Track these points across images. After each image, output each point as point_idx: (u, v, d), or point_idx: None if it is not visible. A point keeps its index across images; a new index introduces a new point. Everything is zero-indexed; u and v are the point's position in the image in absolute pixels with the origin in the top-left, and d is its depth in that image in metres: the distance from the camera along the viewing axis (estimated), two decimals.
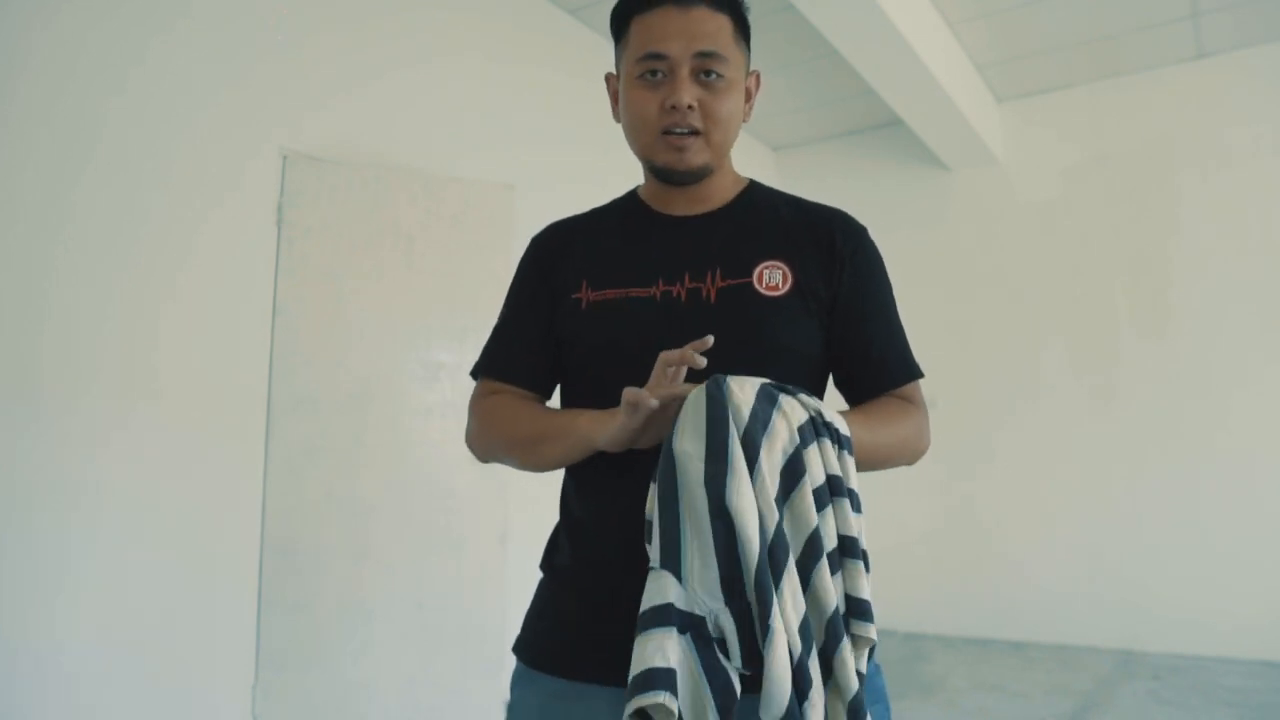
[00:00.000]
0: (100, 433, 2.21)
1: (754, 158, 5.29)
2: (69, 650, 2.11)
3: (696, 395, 0.79)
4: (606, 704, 0.88)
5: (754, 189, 1.07)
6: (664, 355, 0.84)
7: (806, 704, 0.71)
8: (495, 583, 2.96)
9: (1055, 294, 4.59)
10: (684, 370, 0.84)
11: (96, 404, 2.21)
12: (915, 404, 1.02)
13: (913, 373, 1.02)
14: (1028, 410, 4.60)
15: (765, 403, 0.79)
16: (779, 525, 0.75)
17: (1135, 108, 4.46)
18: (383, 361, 2.85)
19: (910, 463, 1.01)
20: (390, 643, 2.74)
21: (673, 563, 0.74)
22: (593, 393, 0.98)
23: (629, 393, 0.82)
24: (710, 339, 0.83)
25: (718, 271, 0.96)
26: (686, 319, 0.95)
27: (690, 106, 0.94)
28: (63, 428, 2.14)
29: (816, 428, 0.80)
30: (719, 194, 1.04)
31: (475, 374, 1.09)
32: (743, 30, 1.00)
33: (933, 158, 4.90)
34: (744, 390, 0.78)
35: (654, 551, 0.76)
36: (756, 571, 0.72)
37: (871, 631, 0.77)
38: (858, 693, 0.74)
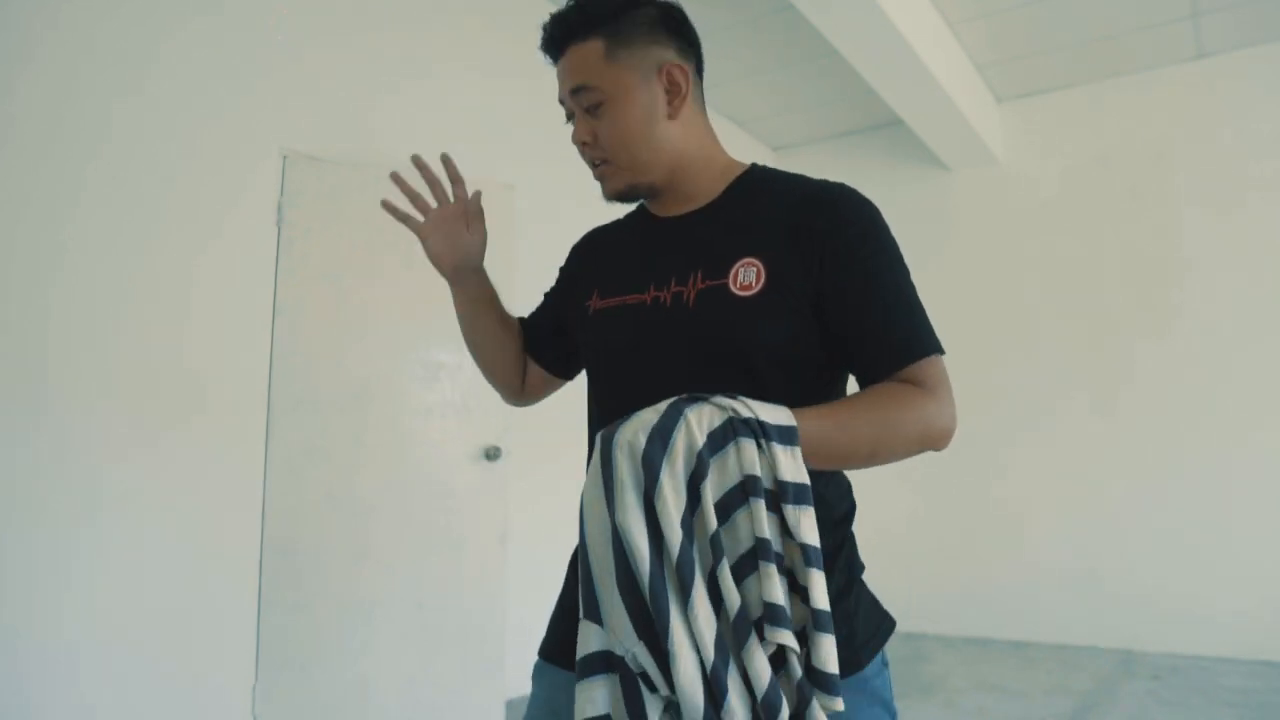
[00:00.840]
0: (100, 433, 2.21)
1: (754, 158, 5.27)
2: (70, 650, 2.11)
3: (597, 453, 0.78)
4: None
5: (748, 178, 1.04)
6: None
7: (724, 712, 0.71)
8: (495, 583, 2.96)
9: (1055, 294, 4.59)
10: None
11: (96, 404, 2.21)
12: (921, 385, 0.90)
13: (917, 350, 0.91)
14: (1027, 410, 4.60)
15: (669, 420, 0.76)
16: (683, 543, 0.73)
17: (1135, 108, 4.46)
18: (383, 361, 2.85)
19: (931, 448, 0.91)
20: (390, 643, 2.74)
21: (592, 610, 0.76)
22: (606, 397, 1.03)
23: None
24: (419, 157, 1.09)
25: (699, 274, 0.95)
26: (668, 324, 0.94)
27: (585, 143, 1.00)
28: (62, 428, 2.15)
29: (735, 427, 0.76)
30: (705, 190, 1.02)
31: None
32: (620, 39, 0.97)
33: (933, 158, 4.90)
34: (640, 419, 0.76)
35: (581, 598, 0.78)
36: (650, 598, 0.72)
37: (783, 638, 0.72)
38: (766, 693, 0.72)
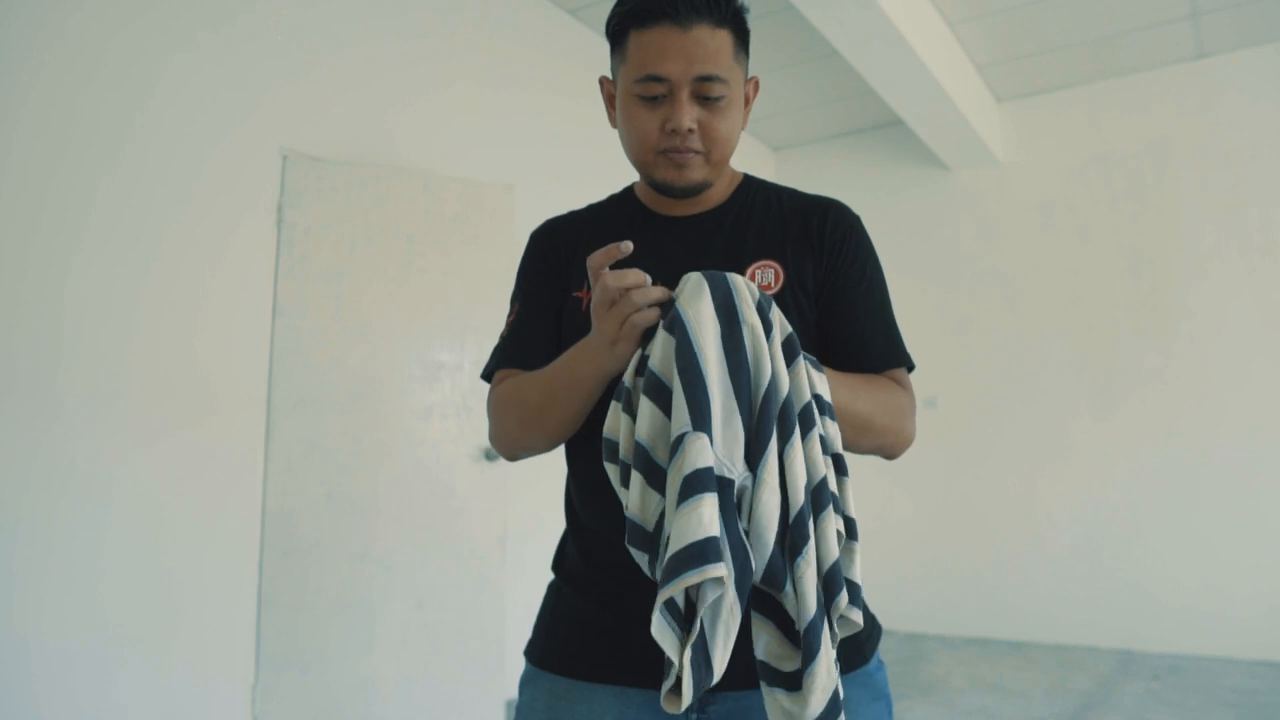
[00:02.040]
0: (99, 432, 2.21)
1: (754, 158, 5.29)
2: (69, 649, 2.11)
3: (694, 278, 0.79)
4: (614, 703, 0.90)
5: (748, 185, 1.06)
6: (591, 258, 0.83)
7: (800, 559, 0.73)
8: (495, 583, 2.96)
9: (1055, 294, 4.59)
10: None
11: (95, 404, 2.21)
12: (903, 386, 0.98)
13: (899, 359, 0.99)
14: (1027, 409, 4.60)
15: (763, 296, 0.81)
16: (789, 392, 0.77)
17: (1135, 108, 4.46)
18: (383, 361, 2.85)
19: (893, 448, 0.96)
20: (390, 643, 2.74)
21: (704, 423, 0.72)
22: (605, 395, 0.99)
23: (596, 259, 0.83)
24: (629, 245, 0.82)
25: None
26: None
27: (690, 130, 0.92)
28: (61, 427, 2.15)
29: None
30: (714, 194, 1.04)
31: (489, 372, 1.06)
32: (744, 42, 0.97)
33: (933, 158, 4.90)
34: (743, 280, 0.81)
35: (680, 416, 0.73)
36: (758, 424, 0.74)
37: (836, 522, 0.78)
38: (835, 564, 0.75)
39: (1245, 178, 4.17)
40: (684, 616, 0.72)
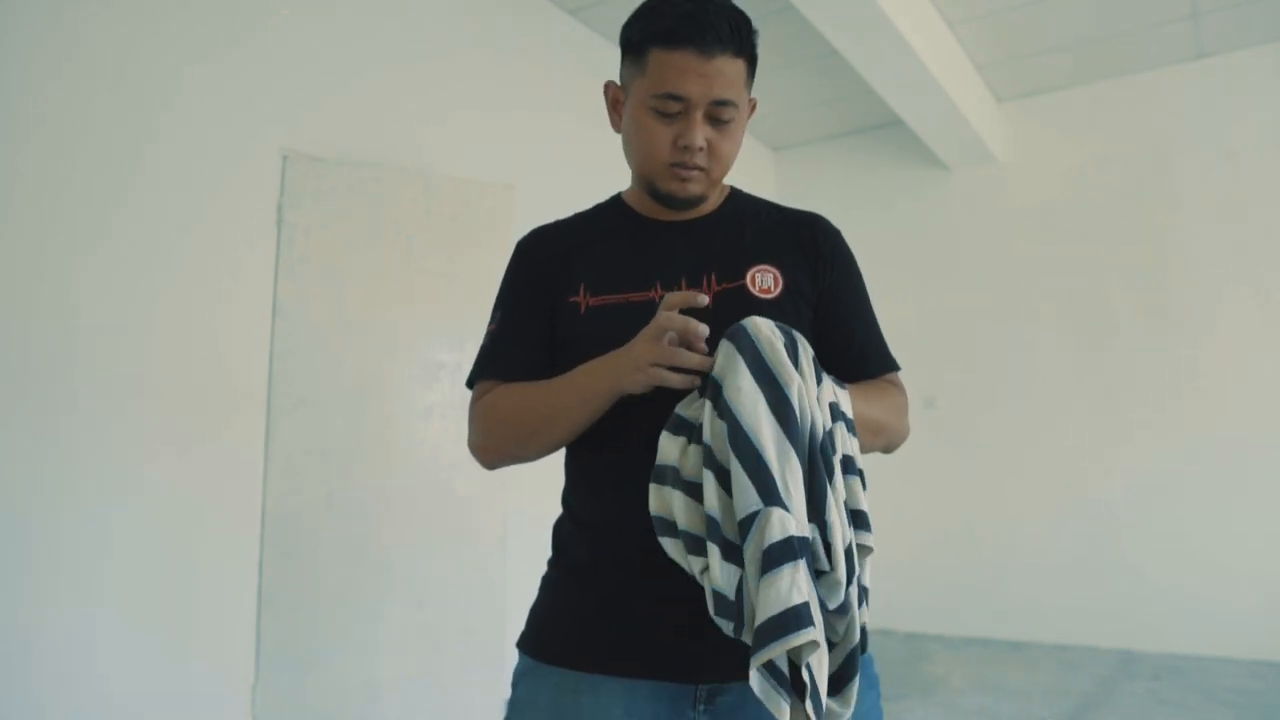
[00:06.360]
0: (99, 432, 2.21)
1: (754, 158, 5.29)
2: (68, 649, 2.11)
3: (723, 351, 0.82)
4: (620, 695, 0.90)
5: (736, 196, 1.11)
6: (670, 298, 0.89)
7: (851, 586, 0.78)
8: (495, 583, 2.96)
9: (1055, 294, 4.59)
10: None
11: (95, 403, 2.21)
12: (897, 386, 1.06)
13: (890, 365, 1.06)
14: (1028, 410, 4.60)
15: (791, 336, 0.84)
16: (828, 431, 0.82)
17: (1135, 108, 4.46)
18: (383, 361, 2.85)
19: (895, 444, 1.03)
20: (390, 643, 2.74)
21: (774, 496, 0.75)
22: None
23: (671, 316, 0.86)
24: (705, 298, 0.89)
25: (713, 276, 0.99)
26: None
27: (701, 148, 0.96)
28: (61, 426, 2.14)
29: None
30: (707, 202, 1.06)
31: (472, 380, 1.07)
32: (754, 69, 1.01)
33: (933, 158, 4.90)
34: (764, 322, 0.84)
35: (746, 496, 0.75)
36: (810, 473, 0.78)
37: (870, 540, 0.83)
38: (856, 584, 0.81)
39: (1245, 178, 4.17)
40: (787, 674, 0.75)
